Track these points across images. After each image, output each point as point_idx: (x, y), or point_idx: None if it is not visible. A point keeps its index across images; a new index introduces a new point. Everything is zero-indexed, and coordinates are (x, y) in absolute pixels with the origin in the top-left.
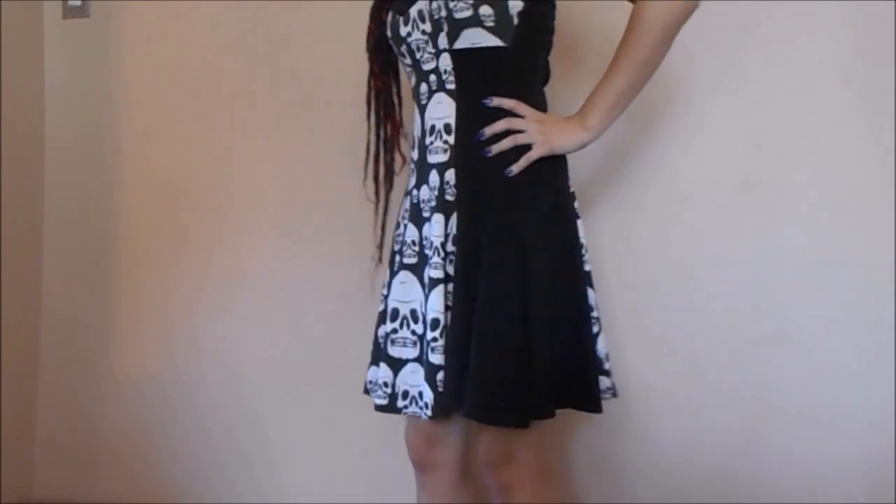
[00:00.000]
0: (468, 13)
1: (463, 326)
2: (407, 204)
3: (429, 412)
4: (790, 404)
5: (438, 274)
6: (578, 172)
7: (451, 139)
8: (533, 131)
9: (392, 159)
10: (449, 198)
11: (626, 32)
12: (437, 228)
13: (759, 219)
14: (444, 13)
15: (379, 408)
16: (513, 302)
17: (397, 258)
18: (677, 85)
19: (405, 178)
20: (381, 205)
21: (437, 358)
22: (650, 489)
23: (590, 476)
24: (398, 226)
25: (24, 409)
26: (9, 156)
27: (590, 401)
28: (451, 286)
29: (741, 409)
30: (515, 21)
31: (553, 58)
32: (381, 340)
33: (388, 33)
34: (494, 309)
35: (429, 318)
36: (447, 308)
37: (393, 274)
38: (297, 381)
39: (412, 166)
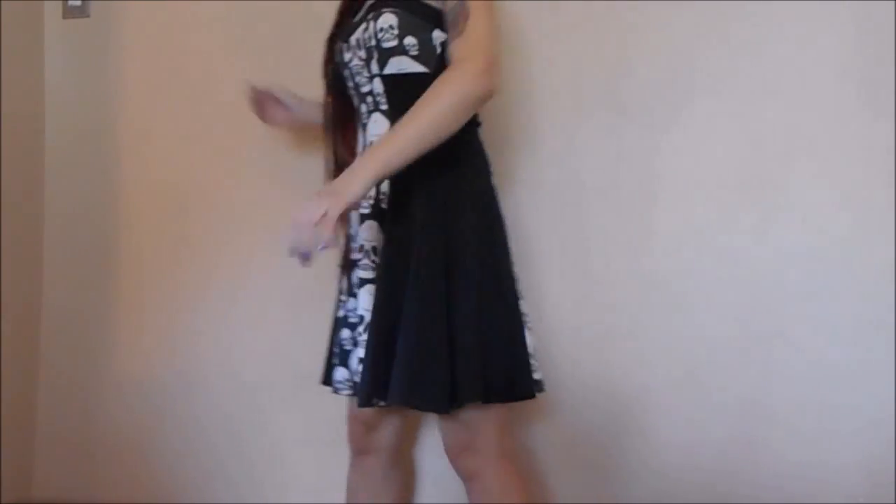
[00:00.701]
0: (394, 43)
1: (387, 322)
2: (355, 216)
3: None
4: (790, 405)
5: (368, 274)
6: (578, 173)
7: None
8: (314, 205)
9: None
10: (383, 206)
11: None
12: (370, 233)
13: (759, 219)
14: (373, 42)
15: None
16: (440, 300)
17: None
18: (677, 84)
19: None
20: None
21: (360, 352)
22: (650, 489)
23: (590, 476)
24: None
25: (24, 408)
26: (9, 155)
27: (524, 388)
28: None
29: (741, 409)
30: (438, 50)
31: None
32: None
33: (337, 61)
34: (422, 305)
35: (358, 313)
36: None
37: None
38: (298, 380)
39: None
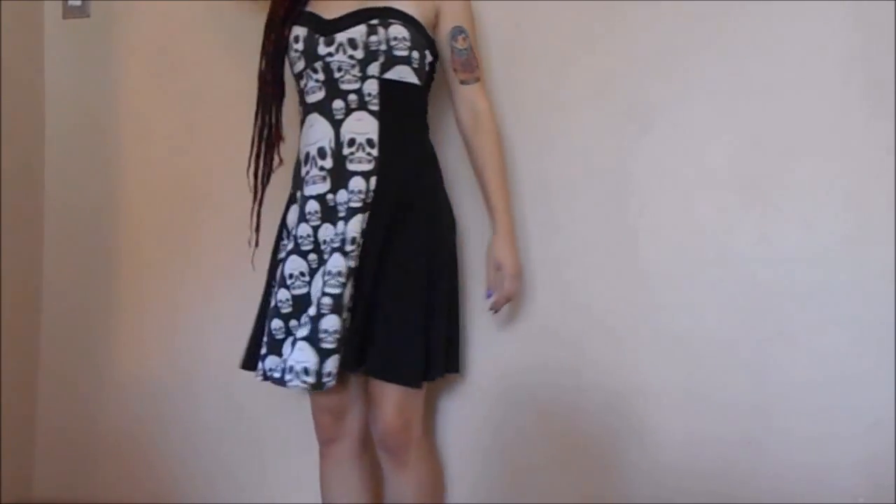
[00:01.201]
0: (404, 53)
1: (365, 306)
2: (314, 206)
3: (333, 380)
4: (790, 404)
5: (355, 263)
6: (578, 172)
7: (375, 152)
8: (516, 286)
9: (271, 159)
10: (368, 200)
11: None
12: (357, 225)
13: (759, 219)
14: (384, 47)
15: (275, 381)
16: (420, 290)
17: (311, 256)
18: (677, 84)
19: (284, 180)
20: (259, 197)
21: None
22: (650, 490)
23: (590, 476)
24: (295, 226)
25: (24, 408)
26: (9, 155)
27: (455, 366)
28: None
29: (741, 409)
30: (427, 68)
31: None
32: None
33: (297, 48)
34: (405, 294)
35: (344, 302)
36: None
37: (312, 271)
38: None
39: (321, 173)
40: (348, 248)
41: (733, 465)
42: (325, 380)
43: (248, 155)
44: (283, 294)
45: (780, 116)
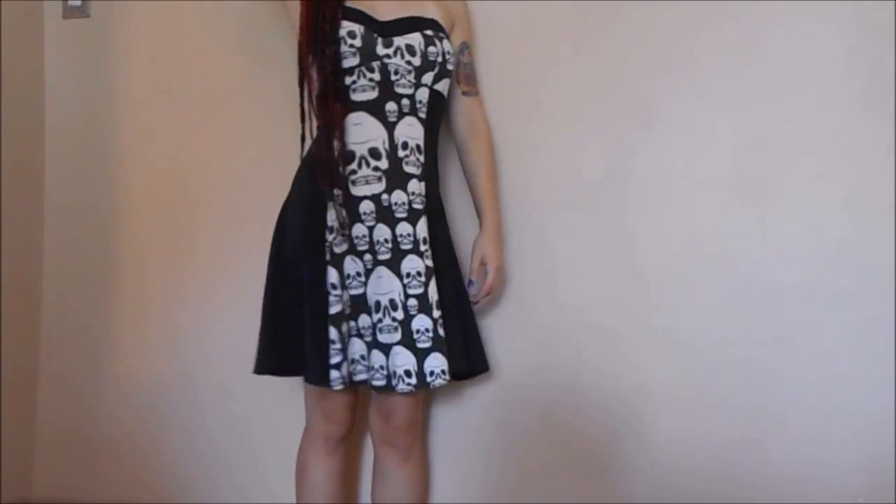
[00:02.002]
0: (451, 67)
1: (457, 307)
2: (369, 206)
3: (447, 377)
4: (790, 404)
5: (433, 264)
6: (577, 172)
7: (422, 158)
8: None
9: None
10: (421, 205)
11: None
12: (424, 226)
13: (759, 219)
14: (440, 59)
15: (378, 388)
16: (461, 291)
17: (367, 257)
18: (677, 85)
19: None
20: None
21: (443, 332)
22: (650, 491)
23: (590, 476)
24: (350, 225)
25: (24, 408)
26: (9, 155)
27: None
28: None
29: (741, 408)
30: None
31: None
32: (364, 330)
33: (354, 44)
34: (460, 294)
35: (432, 300)
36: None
37: (368, 271)
38: (299, 380)
39: (376, 173)
40: (422, 248)
41: (733, 465)
42: (429, 379)
43: (247, 154)
44: (345, 295)
45: (780, 116)
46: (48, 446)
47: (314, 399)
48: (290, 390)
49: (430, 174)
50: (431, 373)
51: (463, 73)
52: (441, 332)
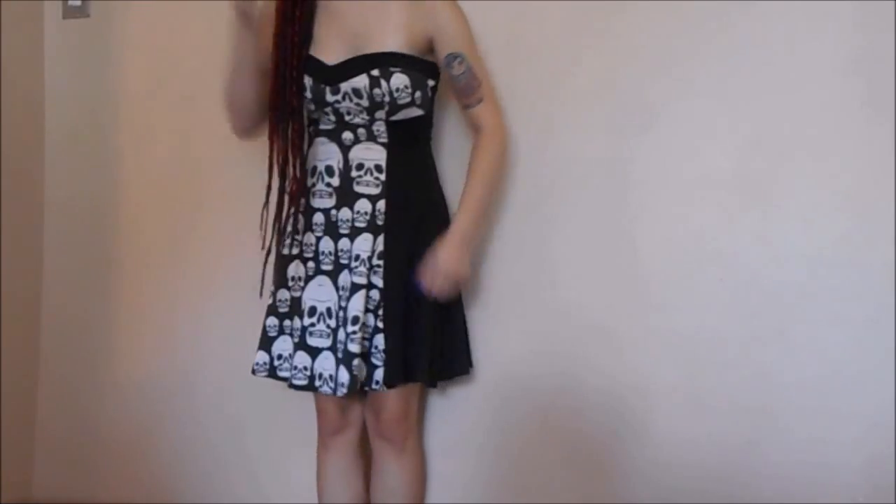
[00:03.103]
0: (408, 100)
1: (399, 320)
2: (320, 219)
3: (345, 390)
4: (790, 404)
5: (362, 280)
6: (577, 172)
7: (383, 177)
8: (441, 283)
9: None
10: (379, 222)
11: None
12: (365, 245)
13: (759, 219)
14: (387, 98)
15: (298, 387)
16: (437, 303)
17: (310, 264)
18: (677, 84)
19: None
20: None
21: (354, 347)
22: (649, 490)
23: (589, 476)
24: (297, 234)
25: (24, 409)
26: (9, 155)
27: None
28: (373, 292)
29: (741, 408)
30: (430, 94)
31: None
32: (294, 331)
33: (307, 95)
34: (423, 305)
35: (349, 315)
36: (367, 309)
37: (308, 278)
38: None
39: (328, 189)
40: (353, 264)
41: (733, 465)
42: (339, 386)
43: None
44: (282, 294)
45: (780, 116)
46: (48, 447)
47: (314, 398)
48: (288, 392)
49: (402, 192)
50: (342, 383)
51: (456, 87)
52: (351, 346)
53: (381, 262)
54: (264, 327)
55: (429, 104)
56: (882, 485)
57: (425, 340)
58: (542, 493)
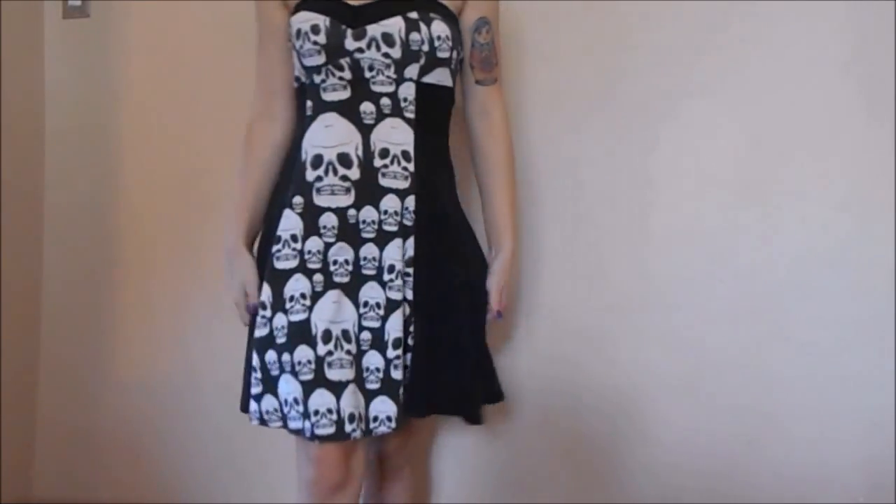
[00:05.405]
0: (447, 55)
1: (428, 341)
2: (331, 220)
3: (393, 424)
4: (790, 404)
5: (399, 296)
6: (577, 172)
7: (411, 167)
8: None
9: None
10: (407, 222)
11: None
12: (396, 252)
13: (759, 219)
14: (426, 47)
15: (322, 437)
16: (470, 317)
17: (317, 277)
18: (677, 84)
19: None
20: None
21: (399, 374)
22: (649, 491)
23: (589, 477)
24: (295, 241)
25: (25, 408)
26: (9, 155)
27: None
28: (406, 308)
29: (741, 409)
30: (459, 66)
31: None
32: (301, 367)
33: (317, 40)
34: (466, 323)
35: (391, 337)
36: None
37: (316, 294)
38: None
39: (343, 184)
40: (387, 277)
41: (733, 464)
42: (372, 425)
43: None
44: (279, 320)
45: (781, 116)
46: (49, 446)
47: (298, 442)
48: None
49: (430, 186)
50: (375, 418)
51: (477, 56)
52: (395, 373)
53: (409, 271)
54: (263, 364)
55: (454, 78)
56: (881, 484)
57: (468, 365)
58: (542, 493)
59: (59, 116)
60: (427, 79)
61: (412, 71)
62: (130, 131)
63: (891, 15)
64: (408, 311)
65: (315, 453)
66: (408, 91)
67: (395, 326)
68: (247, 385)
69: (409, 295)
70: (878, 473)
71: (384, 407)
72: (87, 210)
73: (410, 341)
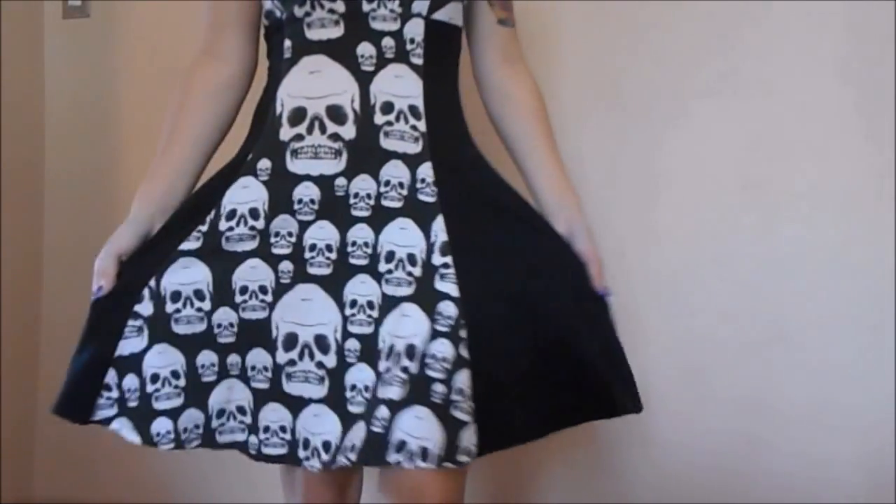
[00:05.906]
0: None
1: (505, 349)
2: (311, 192)
3: (434, 462)
4: (790, 405)
5: (403, 291)
6: (578, 172)
7: (422, 126)
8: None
9: None
10: (426, 198)
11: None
12: (405, 236)
13: (759, 219)
14: None
15: (270, 458)
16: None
17: (284, 266)
18: (677, 84)
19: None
20: None
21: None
22: (650, 490)
23: (590, 476)
24: (254, 217)
25: (24, 409)
26: (9, 156)
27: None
28: (443, 305)
29: (741, 409)
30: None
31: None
32: (256, 372)
33: None
34: (573, 314)
35: (401, 345)
36: (438, 333)
37: (282, 288)
38: None
39: (333, 144)
40: (383, 267)
41: (733, 465)
42: (350, 454)
43: None
44: (224, 315)
45: (780, 116)
46: (48, 447)
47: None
48: None
49: (446, 149)
50: (353, 446)
51: None
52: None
53: (447, 260)
54: (188, 366)
55: (462, 18)
56: (881, 484)
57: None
58: (543, 493)
59: (59, 116)
60: (438, 15)
61: (421, 5)
62: (130, 131)
63: (890, 15)
64: (450, 311)
65: (303, 486)
66: (415, 30)
67: (406, 329)
68: (90, 380)
69: (453, 290)
70: (878, 473)
71: (416, 427)
72: (87, 210)
73: (464, 352)
